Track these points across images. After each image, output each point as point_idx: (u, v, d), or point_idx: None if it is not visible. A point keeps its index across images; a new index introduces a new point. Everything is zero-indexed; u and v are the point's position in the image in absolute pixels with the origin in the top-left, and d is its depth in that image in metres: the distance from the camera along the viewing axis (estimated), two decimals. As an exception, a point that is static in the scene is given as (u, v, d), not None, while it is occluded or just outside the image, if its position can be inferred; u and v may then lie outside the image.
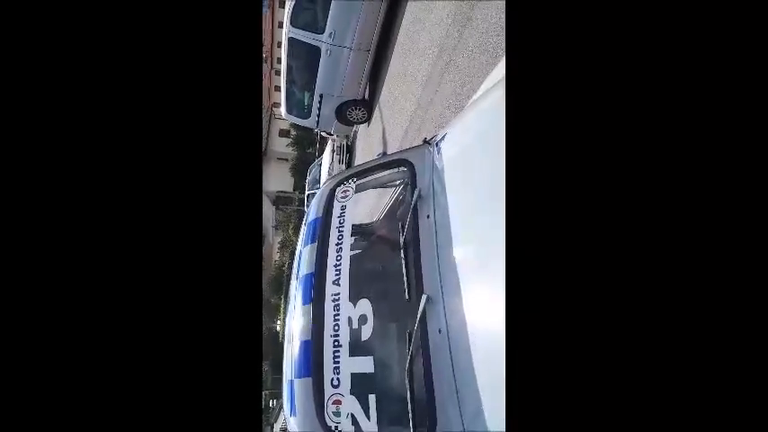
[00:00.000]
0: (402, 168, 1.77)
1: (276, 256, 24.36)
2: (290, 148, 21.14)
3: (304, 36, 6.67)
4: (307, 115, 8.01)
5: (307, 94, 7.65)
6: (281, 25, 8.00)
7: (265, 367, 29.27)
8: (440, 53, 4.64)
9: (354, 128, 8.84)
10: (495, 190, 1.22)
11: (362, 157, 8.75)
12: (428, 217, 1.48)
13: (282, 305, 21.41)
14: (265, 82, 25.89)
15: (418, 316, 1.27)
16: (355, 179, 1.84)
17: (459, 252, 1.34)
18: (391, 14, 6.52)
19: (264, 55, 26.00)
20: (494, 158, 1.19)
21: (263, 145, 22.14)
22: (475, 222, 1.37)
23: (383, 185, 1.86)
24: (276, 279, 22.68)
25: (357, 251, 1.70)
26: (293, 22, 6.58)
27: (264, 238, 26.55)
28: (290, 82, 7.65)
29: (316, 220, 1.77)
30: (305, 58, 7.01)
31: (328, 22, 6.37)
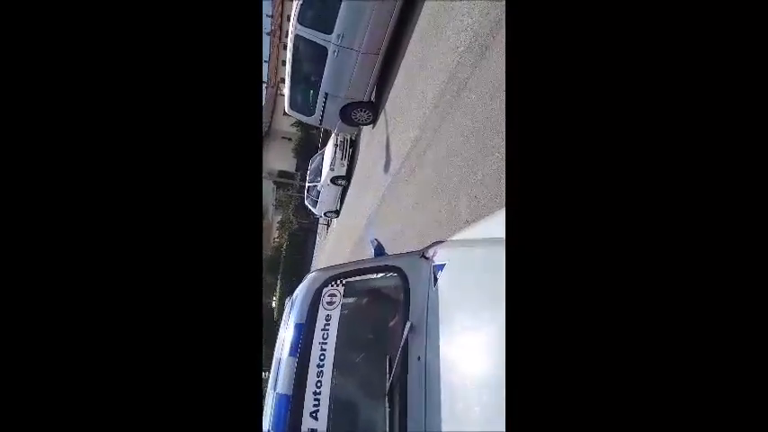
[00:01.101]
0: (393, 274, 1.66)
1: (276, 234, 24.39)
2: (295, 128, 20.78)
3: (311, 35, 6.36)
4: (310, 112, 7.76)
5: (311, 92, 7.38)
6: None
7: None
8: (457, 67, 4.39)
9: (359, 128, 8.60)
10: (492, 340, 1.11)
11: (365, 154, 8.54)
12: (419, 359, 1.37)
13: (277, 287, 21.55)
14: (273, 56, 25.21)
15: None
16: (343, 281, 1.72)
17: (449, 406, 1.24)
18: (405, 16, 6.20)
19: (273, 28, 25.20)
20: (494, 305, 1.08)
21: (267, 123, 21.76)
22: (469, 376, 1.26)
23: (374, 288, 1.74)
24: (274, 259, 22.77)
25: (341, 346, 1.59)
26: (301, 20, 6.27)
27: (264, 215, 26.52)
28: (294, 78, 7.37)
29: (299, 325, 1.66)
30: (311, 56, 6.72)
31: (337, 23, 6.06)
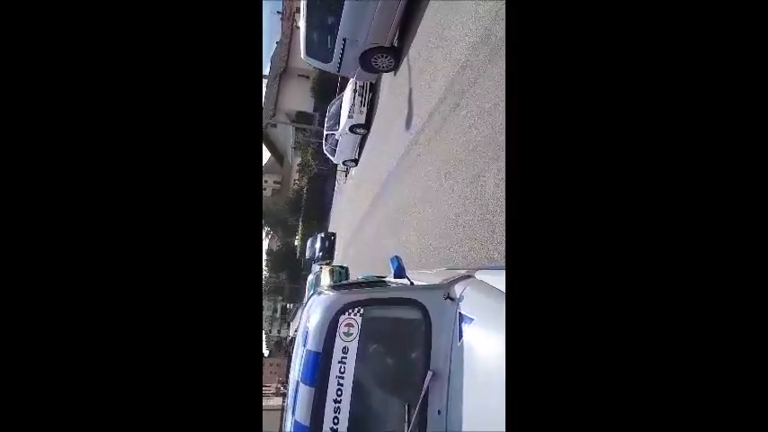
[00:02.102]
0: (414, 309, 1.54)
1: (296, 176, 24.44)
2: (312, 66, 19.73)
3: (327, -28, 5.69)
4: (327, 59, 7.23)
5: (329, 37, 6.80)
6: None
7: (284, 276, 31.65)
8: (495, 19, 3.88)
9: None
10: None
11: (386, 104, 8.07)
12: (439, 413, 1.30)
13: (299, 228, 22.05)
14: (288, -17, 23.30)
15: None
16: (361, 309, 1.62)
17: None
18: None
19: (287, -51, 22.98)
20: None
21: (284, 60, 20.76)
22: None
23: (393, 321, 1.64)
24: (295, 201, 23.04)
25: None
26: (315, -45, 5.57)
27: (284, 157, 26.43)
28: (310, 20, 6.76)
29: (315, 354, 1.60)
30: (328, -4, 6.08)
31: (356, -42, 5.37)
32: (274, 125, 21.62)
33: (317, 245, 13.99)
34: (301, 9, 6.79)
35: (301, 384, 1.60)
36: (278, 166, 28.46)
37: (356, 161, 11.13)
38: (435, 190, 4.60)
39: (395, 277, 1.82)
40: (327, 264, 12.29)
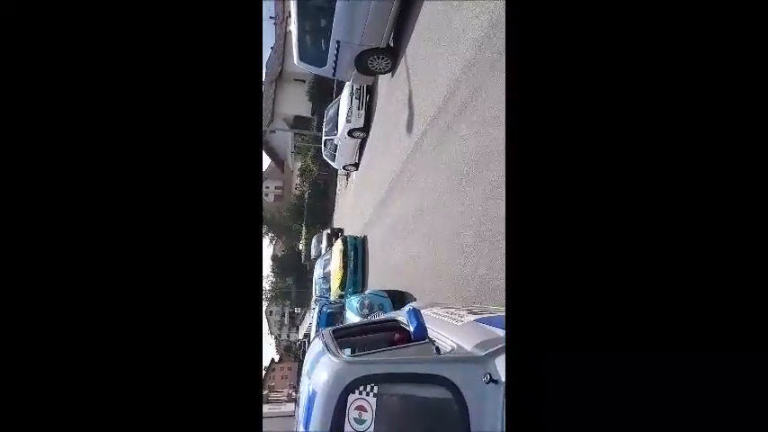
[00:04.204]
0: (443, 388, 1.22)
1: (297, 181, 24.14)
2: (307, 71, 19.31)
3: (317, -28, 5.36)
4: (322, 63, 6.90)
5: (322, 40, 6.48)
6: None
7: (290, 281, 31.69)
8: (502, 12, 3.55)
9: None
10: None
11: (384, 106, 7.73)
12: None
13: (302, 232, 21.81)
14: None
15: None
16: (375, 387, 1.30)
17: None
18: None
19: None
20: None
21: (279, 65, 20.43)
22: None
23: (416, 401, 1.32)
24: (297, 207, 22.77)
25: None
26: (303, -47, 5.24)
27: (284, 162, 26.16)
28: (301, 25, 6.43)
29: None
30: (319, -2, 5.76)
31: (346, -44, 5.04)
32: (273, 131, 21.32)
33: (323, 243, 13.43)
34: (291, 12, 6.46)
35: None
36: (278, 172, 28.20)
37: (356, 165, 10.81)
38: (444, 200, 4.28)
39: (414, 337, 1.51)
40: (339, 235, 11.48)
